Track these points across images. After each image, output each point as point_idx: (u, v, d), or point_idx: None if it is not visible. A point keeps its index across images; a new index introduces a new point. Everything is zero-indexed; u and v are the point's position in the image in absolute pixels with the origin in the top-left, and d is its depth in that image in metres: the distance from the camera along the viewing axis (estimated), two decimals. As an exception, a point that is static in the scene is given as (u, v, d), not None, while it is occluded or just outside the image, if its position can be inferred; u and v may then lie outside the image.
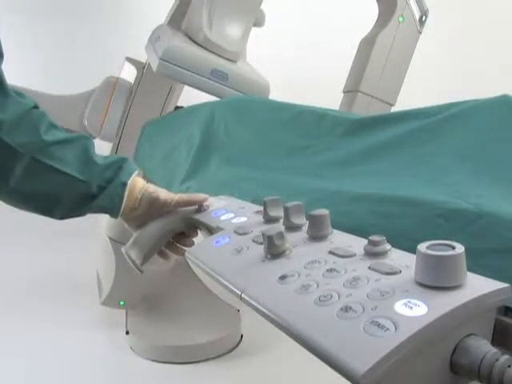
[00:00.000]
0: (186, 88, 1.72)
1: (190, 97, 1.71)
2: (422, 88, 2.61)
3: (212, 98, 1.43)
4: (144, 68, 1.72)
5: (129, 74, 1.75)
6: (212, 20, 1.43)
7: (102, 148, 1.82)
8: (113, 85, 1.69)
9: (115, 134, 1.72)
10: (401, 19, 1.79)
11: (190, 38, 1.47)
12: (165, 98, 1.75)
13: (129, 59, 1.77)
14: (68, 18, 2.29)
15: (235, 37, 1.48)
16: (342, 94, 1.89)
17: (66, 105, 1.68)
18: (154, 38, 1.50)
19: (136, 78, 1.73)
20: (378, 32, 1.79)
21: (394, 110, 1.83)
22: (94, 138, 1.72)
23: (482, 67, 2.88)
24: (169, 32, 1.50)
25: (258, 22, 1.64)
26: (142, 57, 1.67)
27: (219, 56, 1.45)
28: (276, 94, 1.46)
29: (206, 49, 1.44)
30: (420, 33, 1.85)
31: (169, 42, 1.40)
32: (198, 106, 1.37)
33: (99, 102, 1.68)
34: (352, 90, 1.83)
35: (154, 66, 1.41)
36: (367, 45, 1.80)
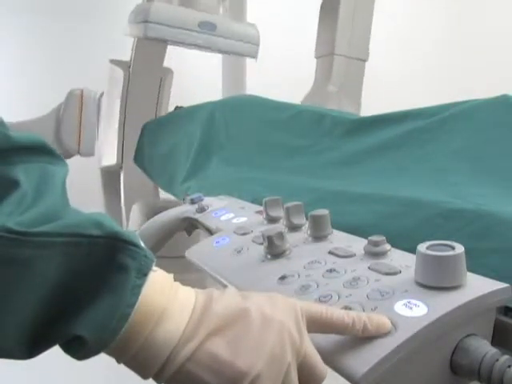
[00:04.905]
0: (186, 88, 1.71)
1: (190, 97, 1.70)
2: (422, 88, 2.61)
3: (211, 98, 1.43)
4: (130, 67, 1.68)
5: (117, 75, 1.72)
6: None
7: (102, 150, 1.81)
8: (79, 97, 1.64)
9: (94, 147, 1.66)
10: None
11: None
12: (157, 89, 1.71)
13: (113, 61, 1.73)
14: (68, 18, 2.29)
15: None
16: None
17: (38, 128, 1.60)
18: (133, 16, 1.49)
19: (124, 78, 1.67)
20: None
21: (394, 110, 1.82)
22: (73, 155, 1.65)
23: (482, 67, 2.88)
24: (145, 1, 1.51)
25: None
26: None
27: (201, 11, 1.47)
28: (276, 95, 1.46)
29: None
30: None
31: (151, 4, 1.39)
32: (198, 106, 1.37)
33: (70, 119, 1.62)
34: (326, 54, 1.79)
35: (142, 33, 1.40)
36: (332, 4, 1.76)
